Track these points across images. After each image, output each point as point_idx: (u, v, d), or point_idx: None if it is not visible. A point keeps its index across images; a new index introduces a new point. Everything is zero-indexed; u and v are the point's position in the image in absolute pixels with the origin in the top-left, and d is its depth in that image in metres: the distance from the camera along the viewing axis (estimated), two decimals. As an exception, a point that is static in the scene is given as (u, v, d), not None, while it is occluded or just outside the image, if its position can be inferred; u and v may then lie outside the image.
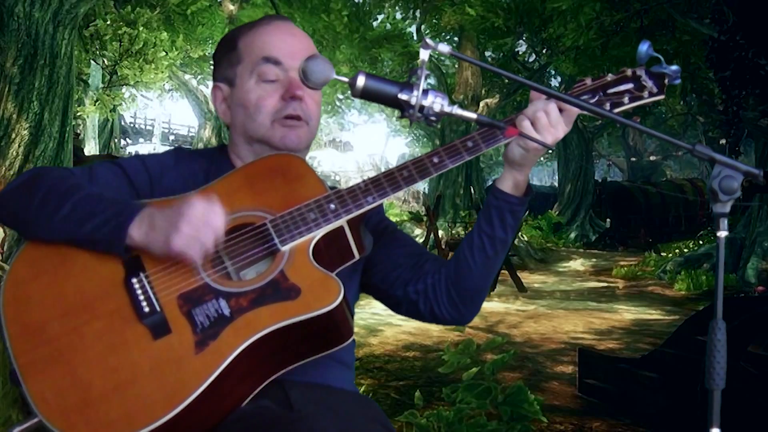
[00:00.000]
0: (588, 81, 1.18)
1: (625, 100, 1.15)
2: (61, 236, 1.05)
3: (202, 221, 0.99)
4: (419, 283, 1.23)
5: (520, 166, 1.14)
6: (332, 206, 1.09)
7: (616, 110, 1.15)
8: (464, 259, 1.19)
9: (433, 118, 0.98)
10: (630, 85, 1.15)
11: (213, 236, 1.00)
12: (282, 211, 1.10)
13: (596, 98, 1.15)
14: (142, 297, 1.02)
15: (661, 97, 1.16)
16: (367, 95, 0.98)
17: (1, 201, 1.10)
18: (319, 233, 1.08)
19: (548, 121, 1.09)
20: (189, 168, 1.23)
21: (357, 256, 1.16)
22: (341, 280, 1.05)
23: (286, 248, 1.07)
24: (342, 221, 1.09)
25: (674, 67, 1.13)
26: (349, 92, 0.99)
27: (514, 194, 1.16)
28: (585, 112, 1.09)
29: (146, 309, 1.01)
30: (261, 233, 1.08)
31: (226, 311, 1.01)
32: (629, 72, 1.16)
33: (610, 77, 1.17)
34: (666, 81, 1.15)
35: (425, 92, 0.97)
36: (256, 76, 1.21)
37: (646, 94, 1.15)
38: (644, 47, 1.07)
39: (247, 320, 1.00)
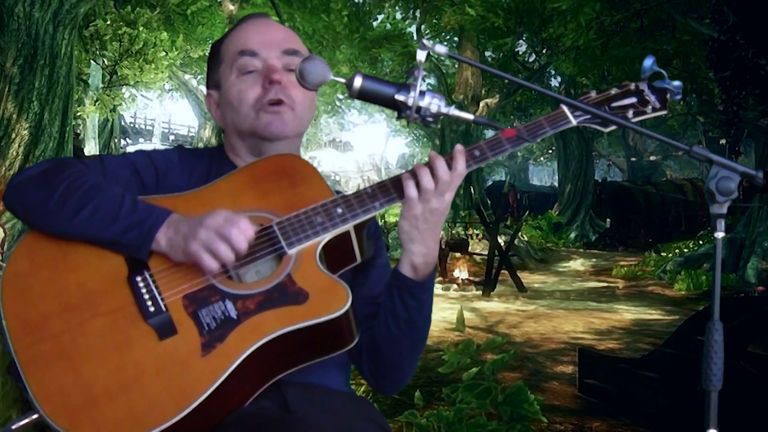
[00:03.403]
0: (592, 94, 1.18)
1: (629, 114, 1.15)
2: (80, 236, 1.04)
3: (220, 231, 0.98)
4: None
5: (412, 242, 1.11)
6: (339, 210, 1.09)
7: (620, 124, 1.16)
8: (375, 331, 1.17)
9: (430, 119, 0.98)
10: (633, 99, 1.16)
11: (228, 248, 0.98)
12: (288, 213, 1.09)
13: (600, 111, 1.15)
14: (147, 296, 1.01)
15: (664, 112, 1.17)
16: (364, 96, 0.98)
17: (16, 192, 1.07)
18: (327, 237, 1.08)
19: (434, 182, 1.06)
20: (192, 166, 1.23)
21: (359, 259, 1.15)
22: (345, 283, 1.04)
23: (293, 251, 1.06)
24: (349, 226, 1.09)
25: (676, 83, 1.15)
26: (349, 92, 0.99)
27: (411, 277, 1.13)
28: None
29: (151, 309, 1.00)
30: (267, 235, 1.07)
31: (233, 314, 1.00)
32: (632, 86, 1.17)
33: (614, 91, 1.18)
34: (668, 96, 1.16)
35: (422, 93, 0.97)
36: (236, 71, 1.22)
37: (649, 108, 1.16)
38: (648, 62, 1.08)
39: (254, 323, 1.00)
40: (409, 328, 1.16)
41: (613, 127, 1.16)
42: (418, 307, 1.14)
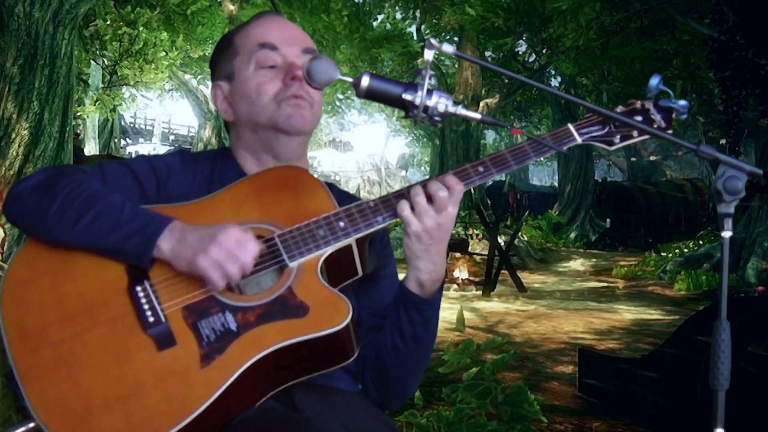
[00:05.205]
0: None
1: (635, 133, 1.16)
2: (80, 244, 1.03)
3: (232, 252, 0.98)
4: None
5: (417, 259, 1.09)
6: (342, 224, 1.08)
7: (626, 143, 1.18)
8: (380, 343, 1.17)
9: (437, 119, 0.98)
10: (639, 118, 1.16)
11: (238, 270, 0.98)
12: (290, 225, 1.08)
13: (606, 129, 1.16)
14: (146, 306, 1.00)
15: (669, 132, 1.17)
16: (371, 95, 0.97)
17: (16, 201, 1.06)
18: (328, 251, 1.07)
19: (417, 209, 1.05)
20: (194, 171, 1.22)
21: (360, 273, 1.15)
22: (345, 296, 1.04)
23: (294, 264, 1.06)
24: (351, 240, 1.08)
25: (682, 102, 1.15)
26: (349, 92, 1.00)
27: (417, 293, 1.12)
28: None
29: (151, 319, 0.99)
30: (269, 247, 1.06)
31: (233, 326, 1.00)
32: (638, 104, 1.17)
33: (619, 109, 1.18)
34: (674, 115, 1.17)
35: (429, 92, 0.96)
36: (255, 63, 1.20)
37: (654, 128, 1.16)
38: (655, 81, 1.09)
39: (253, 336, 0.99)
40: (415, 343, 1.15)
41: (618, 146, 1.17)
42: (423, 323, 1.14)
